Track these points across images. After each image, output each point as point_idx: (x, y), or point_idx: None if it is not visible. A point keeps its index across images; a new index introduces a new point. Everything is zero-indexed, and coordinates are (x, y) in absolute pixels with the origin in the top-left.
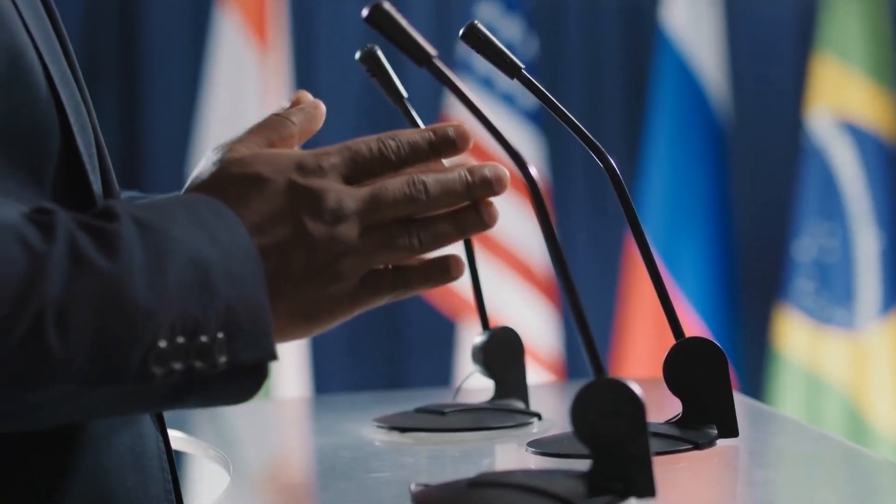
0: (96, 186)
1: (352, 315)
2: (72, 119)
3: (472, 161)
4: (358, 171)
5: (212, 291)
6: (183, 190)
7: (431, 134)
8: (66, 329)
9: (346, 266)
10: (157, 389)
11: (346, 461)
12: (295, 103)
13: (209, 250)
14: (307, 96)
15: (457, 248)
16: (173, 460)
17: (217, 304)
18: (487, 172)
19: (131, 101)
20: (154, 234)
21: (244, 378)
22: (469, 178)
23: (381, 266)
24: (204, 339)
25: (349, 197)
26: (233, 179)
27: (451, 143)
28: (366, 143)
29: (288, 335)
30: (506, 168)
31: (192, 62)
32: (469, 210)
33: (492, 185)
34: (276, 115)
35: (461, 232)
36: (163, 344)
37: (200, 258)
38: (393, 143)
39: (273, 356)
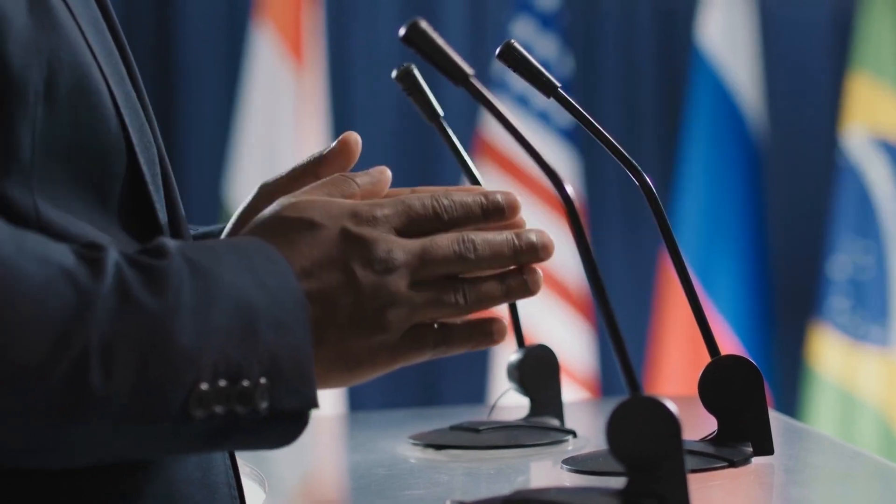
0: (160, 206)
1: (391, 368)
2: (135, 140)
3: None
4: (410, 225)
5: (257, 337)
6: (230, 226)
7: (483, 199)
8: (110, 368)
9: (391, 317)
10: (196, 432)
11: (381, 478)
12: (341, 144)
13: (257, 295)
14: (354, 138)
15: None
16: (240, 478)
17: (261, 349)
18: (534, 238)
19: (167, 118)
20: (203, 276)
21: (284, 424)
22: (516, 242)
23: (426, 322)
24: (246, 383)
25: (400, 249)
26: (286, 223)
27: (500, 211)
28: (419, 199)
29: (326, 383)
30: (549, 236)
31: (227, 79)
32: (515, 274)
33: (537, 252)
34: (343, 175)
35: (506, 295)
36: (204, 387)
37: (247, 303)
38: (446, 203)
39: (314, 404)
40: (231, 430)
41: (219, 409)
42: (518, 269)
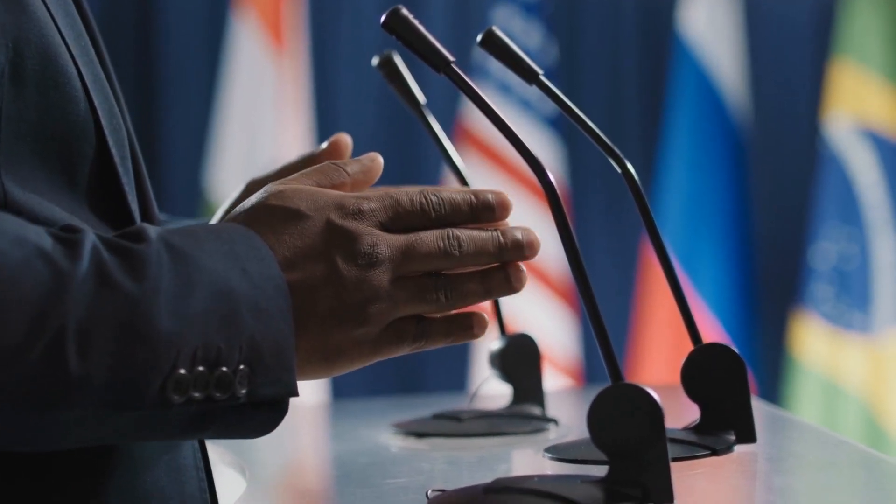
0: (129, 188)
1: (370, 362)
2: (104, 122)
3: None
4: (396, 220)
5: (237, 323)
6: (216, 221)
7: (473, 197)
8: (86, 349)
9: (372, 311)
10: (175, 417)
11: (363, 467)
12: (332, 146)
13: (238, 282)
14: (345, 140)
15: None
16: (208, 459)
17: (241, 336)
18: (520, 236)
19: (147, 106)
20: (183, 261)
21: (263, 412)
22: (501, 239)
23: (406, 316)
24: (225, 369)
25: (384, 243)
26: (271, 211)
27: (490, 210)
28: (408, 194)
29: (305, 374)
30: (536, 234)
31: (208, 66)
32: (498, 272)
33: (522, 250)
34: (333, 162)
35: (488, 293)
36: (183, 371)
37: (228, 289)
38: (434, 199)
39: (293, 392)
40: (210, 416)
41: (197, 395)
42: (502, 267)
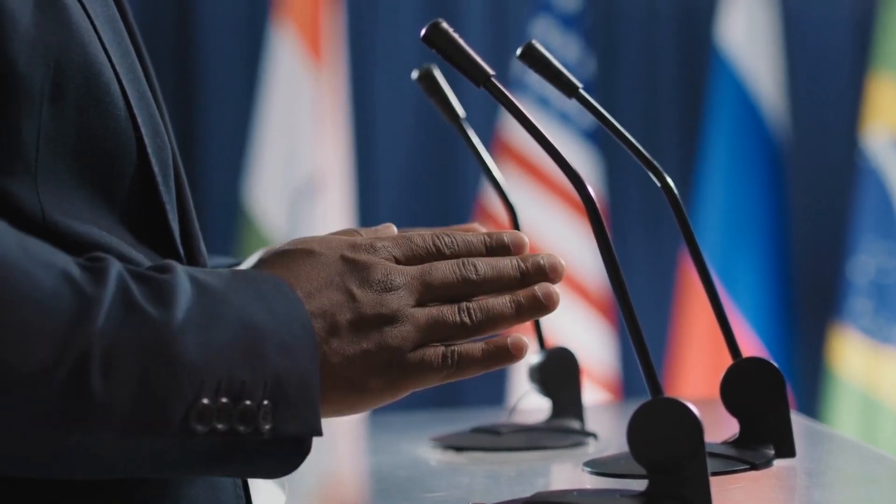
0: (170, 207)
1: (398, 394)
2: (147, 141)
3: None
4: (410, 257)
5: (263, 358)
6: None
7: (487, 237)
8: (110, 374)
9: (394, 334)
10: (197, 449)
11: (402, 480)
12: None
13: (264, 318)
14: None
15: None
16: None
17: (267, 371)
18: (542, 261)
19: (185, 118)
20: (210, 294)
21: (286, 449)
22: (522, 264)
23: (436, 344)
24: (249, 403)
25: (397, 272)
26: (287, 255)
27: (504, 248)
28: (421, 235)
29: (336, 406)
30: (561, 259)
31: (246, 79)
32: (527, 291)
33: (545, 273)
34: (350, 229)
35: (517, 312)
36: (206, 402)
37: (254, 324)
38: (448, 240)
39: (317, 431)
40: (233, 450)
41: (220, 426)
42: (530, 286)
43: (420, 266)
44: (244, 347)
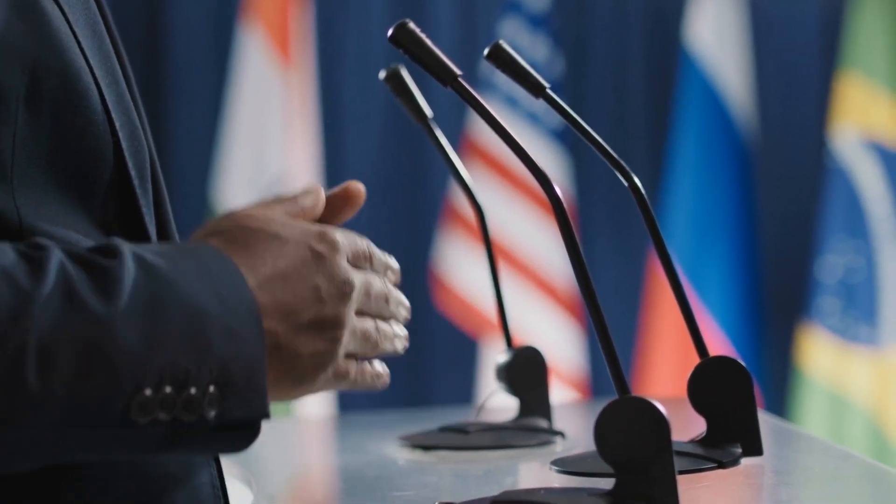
0: (147, 210)
1: (330, 388)
2: (125, 144)
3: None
4: (354, 258)
5: (207, 346)
6: (198, 233)
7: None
8: (46, 368)
9: (342, 338)
10: (141, 438)
11: (370, 479)
12: (343, 191)
13: (210, 303)
14: (358, 188)
15: (481, 265)
16: (224, 479)
17: (211, 359)
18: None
19: (154, 118)
20: (156, 279)
21: (235, 433)
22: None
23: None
24: (193, 391)
25: (354, 276)
26: (247, 232)
27: (395, 274)
28: (361, 238)
29: (276, 394)
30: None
31: (214, 79)
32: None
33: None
34: (289, 194)
35: (395, 352)
36: (148, 392)
37: (199, 310)
38: (376, 250)
39: (266, 415)
40: (179, 438)
41: (162, 416)
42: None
43: (364, 274)
44: (189, 335)
